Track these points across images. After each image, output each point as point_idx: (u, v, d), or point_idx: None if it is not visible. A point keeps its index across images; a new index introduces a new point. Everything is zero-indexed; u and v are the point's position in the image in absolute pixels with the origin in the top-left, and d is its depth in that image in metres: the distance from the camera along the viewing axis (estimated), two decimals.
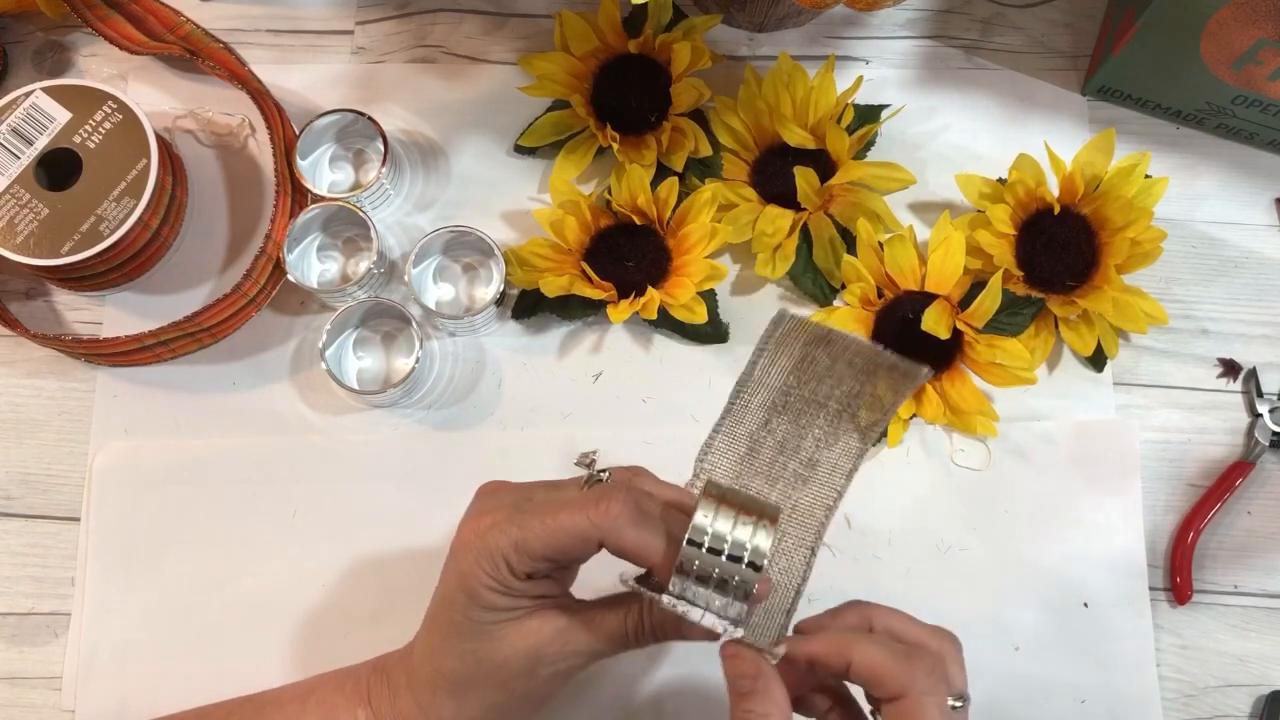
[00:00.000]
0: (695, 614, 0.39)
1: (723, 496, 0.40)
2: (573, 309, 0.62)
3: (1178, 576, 0.61)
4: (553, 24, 0.64)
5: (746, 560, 0.38)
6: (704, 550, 0.39)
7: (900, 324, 0.61)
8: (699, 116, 0.64)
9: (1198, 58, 0.60)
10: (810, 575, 0.44)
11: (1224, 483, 0.62)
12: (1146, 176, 0.61)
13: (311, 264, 0.64)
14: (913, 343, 0.60)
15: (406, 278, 0.61)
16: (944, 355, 0.61)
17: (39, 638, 0.59)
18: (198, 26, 0.67)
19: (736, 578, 0.38)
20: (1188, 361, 0.64)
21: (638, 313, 0.60)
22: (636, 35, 0.63)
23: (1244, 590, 0.62)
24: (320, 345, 0.60)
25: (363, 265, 0.63)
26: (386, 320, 0.63)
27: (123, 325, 0.62)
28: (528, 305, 0.63)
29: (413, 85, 0.67)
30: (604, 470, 0.44)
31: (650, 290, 0.60)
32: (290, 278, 0.61)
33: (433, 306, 0.63)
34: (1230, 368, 0.64)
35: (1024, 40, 0.69)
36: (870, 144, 0.65)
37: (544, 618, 0.42)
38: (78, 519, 0.60)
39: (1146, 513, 0.62)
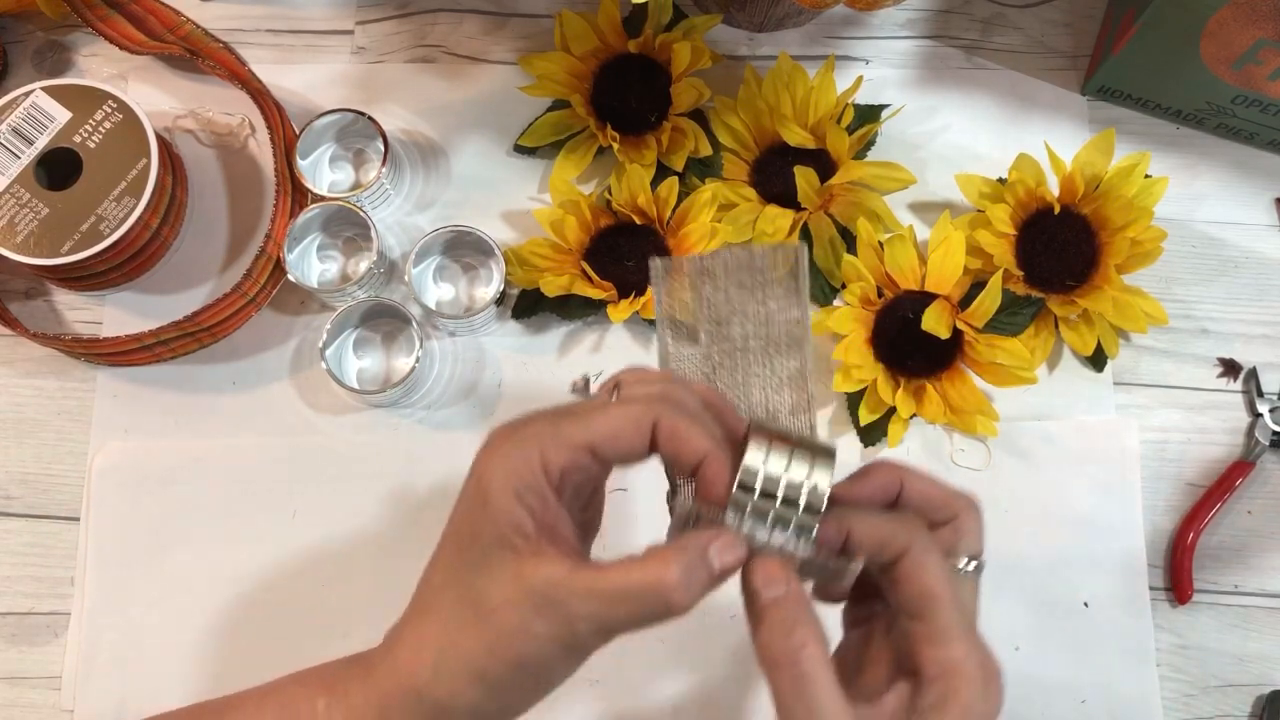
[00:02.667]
0: (761, 535, 0.36)
1: (775, 434, 0.37)
2: (573, 309, 0.62)
3: (1178, 576, 0.61)
4: (553, 24, 0.64)
5: (804, 502, 0.36)
6: (756, 489, 0.36)
7: (900, 324, 0.60)
8: (699, 116, 0.64)
9: (1198, 58, 0.60)
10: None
11: (1224, 482, 0.62)
12: (1146, 176, 0.61)
13: (311, 264, 0.64)
14: (913, 342, 0.60)
15: (406, 277, 0.61)
16: (944, 355, 0.61)
17: (38, 637, 0.59)
18: (198, 26, 0.67)
19: (794, 519, 0.36)
20: (1188, 361, 0.64)
21: (638, 312, 0.60)
22: (636, 35, 0.63)
23: (1244, 590, 0.62)
24: (320, 345, 0.60)
25: (363, 265, 0.63)
26: (386, 320, 0.63)
27: (123, 325, 0.62)
28: (528, 305, 0.63)
29: (413, 85, 0.67)
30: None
31: (650, 290, 0.60)
32: (290, 277, 0.61)
33: (433, 306, 0.63)
34: (1230, 367, 0.64)
35: (1024, 40, 0.69)
36: (870, 144, 0.65)
37: (548, 558, 0.35)
38: (77, 519, 0.60)
39: (1146, 513, 0.62)
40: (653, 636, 0.59)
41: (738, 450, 0.36)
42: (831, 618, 0.40)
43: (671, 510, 0.38)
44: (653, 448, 0.36)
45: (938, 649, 0.36)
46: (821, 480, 0.36)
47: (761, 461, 0.36)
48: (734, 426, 0.39)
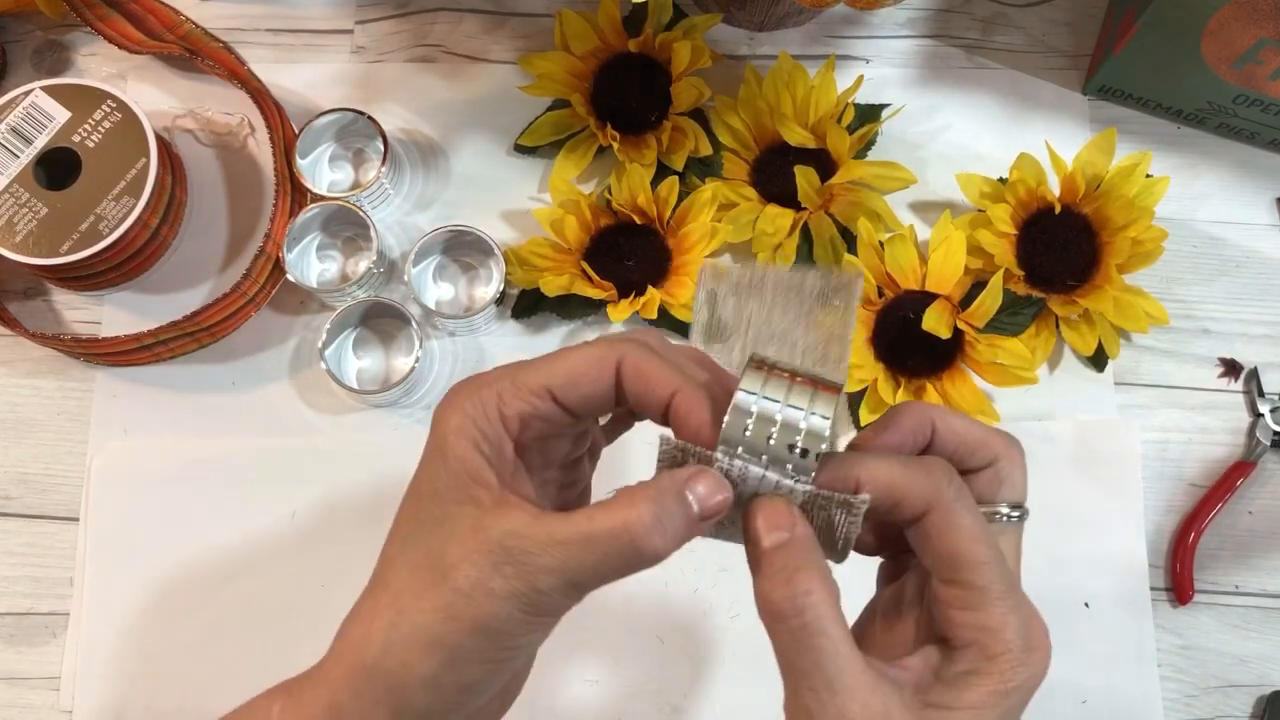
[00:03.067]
0: (756, 471, 0.32)
1: (774, 365, 0.33)
2: (573, 309, 0.62)
3: (1179, 577, 0.61)
4: (553, 23, 0.64)
5: (804, 436, 0.32)
6: (750, 424, 0.32)
7: (901, 323, 0.60)
8: (699, 116, 0.64)
9: (1199, 57, 0.60)
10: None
11: (1225, 483, 0.62)
12: (1147, 176, 0.61)
13: (311, 263, 0.64)
14: (913, 342, 0.60)
15: (406, 277, 0.61)
16: (945, 355, 0.61)
17: (37, 638, 0.59)
18: (197, 26, 0.67)
19: (792, 458, 0.32)
20: (1189, 361, 0.64)
21: (638, 312, 0.60)
22: (637, 34, 0.63)
23: (1245, 590, 0.61)
24: (320, 345, 0.59)
25: (362, 265, 0.63)
26: (386, 320, 0.63)
27: (122, 325, 0.62)
28: (528, 305, 0.63)
29: (412, 84, 0.67)
30: None
31: (650, 290, 0.60)
32: (290, 277, 0.61)
33: (432, 306, 0.62)
34: (1231, 367, 0.64)
35: (1025, 40, 0.69)
36: (871, 143, 0.65)
37: (511, 508, 0.32)
38: (76, 519, 0.60)
39: (1147, 513, 0.62)
40: (653, 636, 0.59)
41: (729, 390, 0.33)
42: (863, 573, 0.37)
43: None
44: (622, 396, 0.33)
45: (970, 613, 0.32)
46: (824, 410, 0.32)
47: (758, 389, 0.32)
48: (723, 377, 0.35)
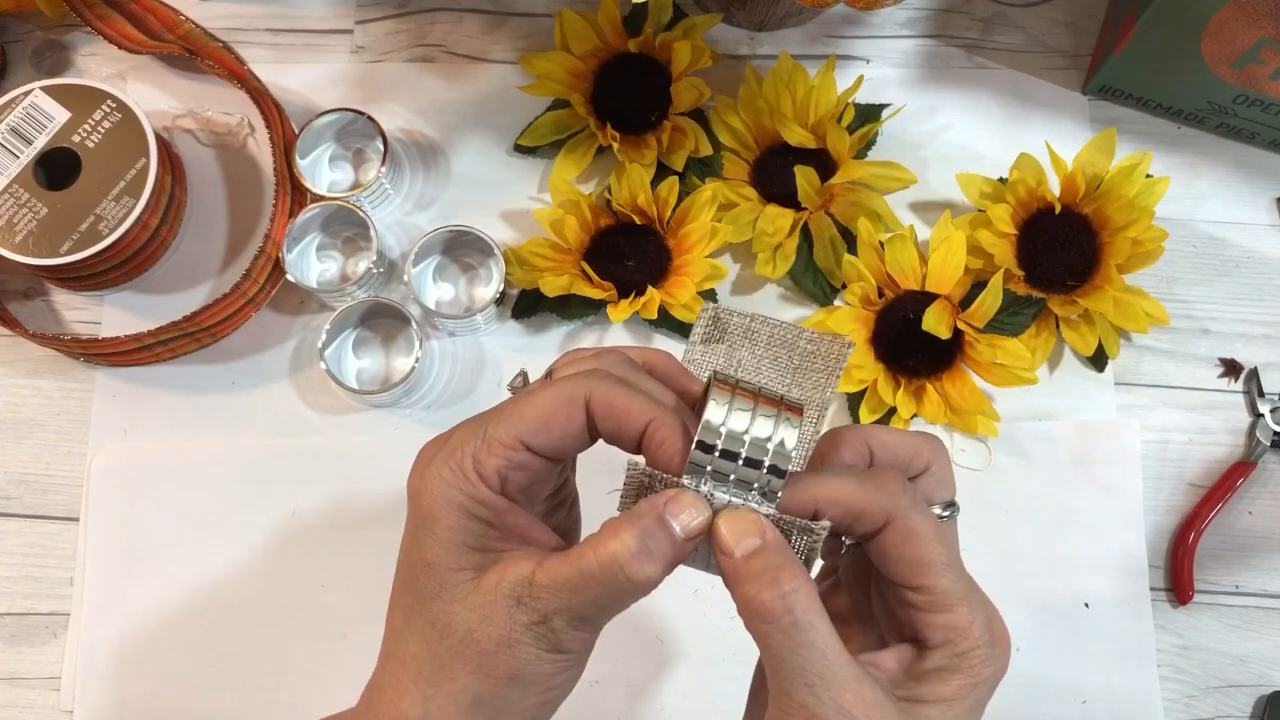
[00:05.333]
0: (722, 497, 0.32)
1: (737, 385, 0.33)
2: (573, 309, 0.62)
3: (1179, 577, 0.61)
4: (553, 23, 0.64)
5: (770, 457, 0.32)
6: (718, 449, 0.32)
7: (901, 324, 0.60)
8: (699, 116, 0.64)
9: (1199, 57, 0.60)
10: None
11: (1225, 483, 0.62)
12: (1148, 176, 0.61)
13: (311, 264, 0.64)
14: (913, 343, 0.60)
15: (406, 277, 0.61)
16: (945, 355, 0.60)
17: (37, 638, 0.59)
18: (197, 25, 0.67)
19: (758, 480, 0.32)
20: (1189, 361, 0.64)
21: (638, 313, 0.60)
22: (637, 34, 0.63)
23: (1245, 590, 0.61)
24: (320, 345, 0.59)
25: (362, 265, 0.63)
26: (386, 320, 0.63)
27: (122, 325, 0.62)
28: (528, 305, 0.63)
29: (412, 84, 0.67)
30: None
31: (650, 290, 0.60)
32: (289, 277, 0.61)
33: (432, 306, 0.62)
34: (1231, 367, 0.64)
35: (1025, 39, 0.69)
36: (871, 143, 0.65)
37: (515, 553, 0.33)
38: (76, 519, 0.60)
39: (1147, 513, 0.62)
40: (652, 636, 0.59)
41: (697, 407, 0.33)
42: None
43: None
44: (596, 430, 0.33)
45: (939, 615, 0.33)
46: (788, 437, 0.32)
47: (723, 417, 0.32)
48: (688, 388, 0.36)
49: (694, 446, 0.32)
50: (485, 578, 0.33)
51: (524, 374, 0.37)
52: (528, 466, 0.33)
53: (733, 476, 0.32)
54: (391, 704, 0.34)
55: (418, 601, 0.34)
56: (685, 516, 0.32)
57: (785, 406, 0.33)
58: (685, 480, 0.33)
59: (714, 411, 0.32)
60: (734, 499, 0.33)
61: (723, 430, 0.32)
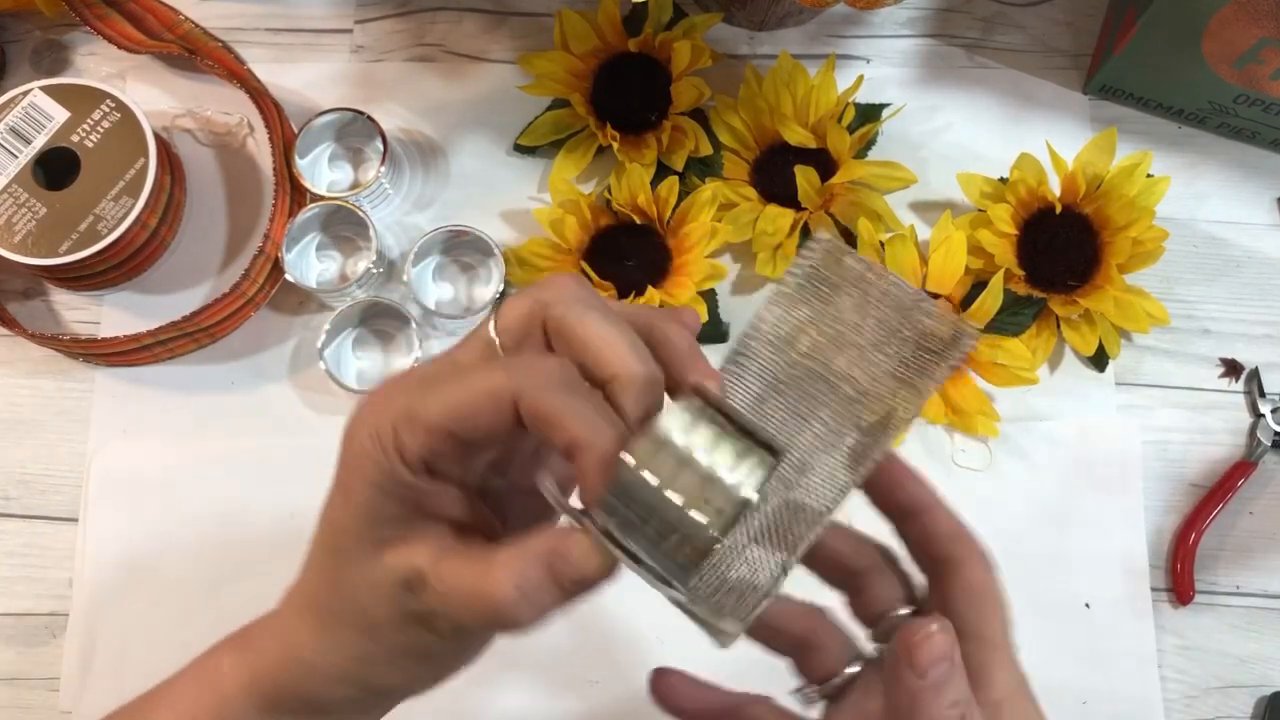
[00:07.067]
0: (639, 549, 0.28)
1: (715, 407, 0.28)
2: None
3: (1179, 577, 0.60)
4: (552, 22, 0.64)
5: (715, 506, 0.26)
6: (656, 473, 0.27)
7: None
8: (699, 115, 0.64)
9: (1199, 57, 0.60)
10: (775, 593, 0.32)
11: (1226, 483, 0.62)
12: (1148, 176, 0.61)
13: (310, 263, 0.64)
14: None
15: (406, 277, 0.61)
16: None
17: (37, 638, 0.59)
18: (196, 25, 0.67)
19: (687, 530, 0.27)
20: (1189, 361, 0.64)
21: None
22: (636, 34, 0.63)
23: (1246, 591, 0.61)
24: (319, 345, 0.59)
25: (361, 265, 0.63)
26: (386, 320, 0.63)
27: (121, 325, 0.62)
28: None
29: (412, 84, 0.67)
30: None
31: (650, 290, 0.60)
32: (289, 277, 0.60)
33: (432, 306, 0.62)
34: (1232, 368, 0.64)
35: (1025, 39, 0.69)
36: (871, 143, 0.65)
37: (422, 538, 0.31)
38: (76, 519, 0.60)
39: (1148, 513, 0.62)
40: (652, 636, 0.59)
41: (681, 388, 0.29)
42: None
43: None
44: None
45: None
46: (748, 481, 0.26)
47: (674, 438, 0.27)
48: (672, 366, 0.31)
49: (607, 490, 0.27)
50: (385, 555, 0.31)
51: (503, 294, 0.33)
52: (453, 452, 0.30)
53: (648, 533, 0.27)
54: (289, 632, 0.35)
55: (324, 552, 0.34)
56: (575, 564, 0.29)
57: (760, 444, 0.27)
58: (597, 516, 0.28)
59: (647, 444, 0.27)
60: (647, 561, 0.28)
61: (642, 479, 0.27)
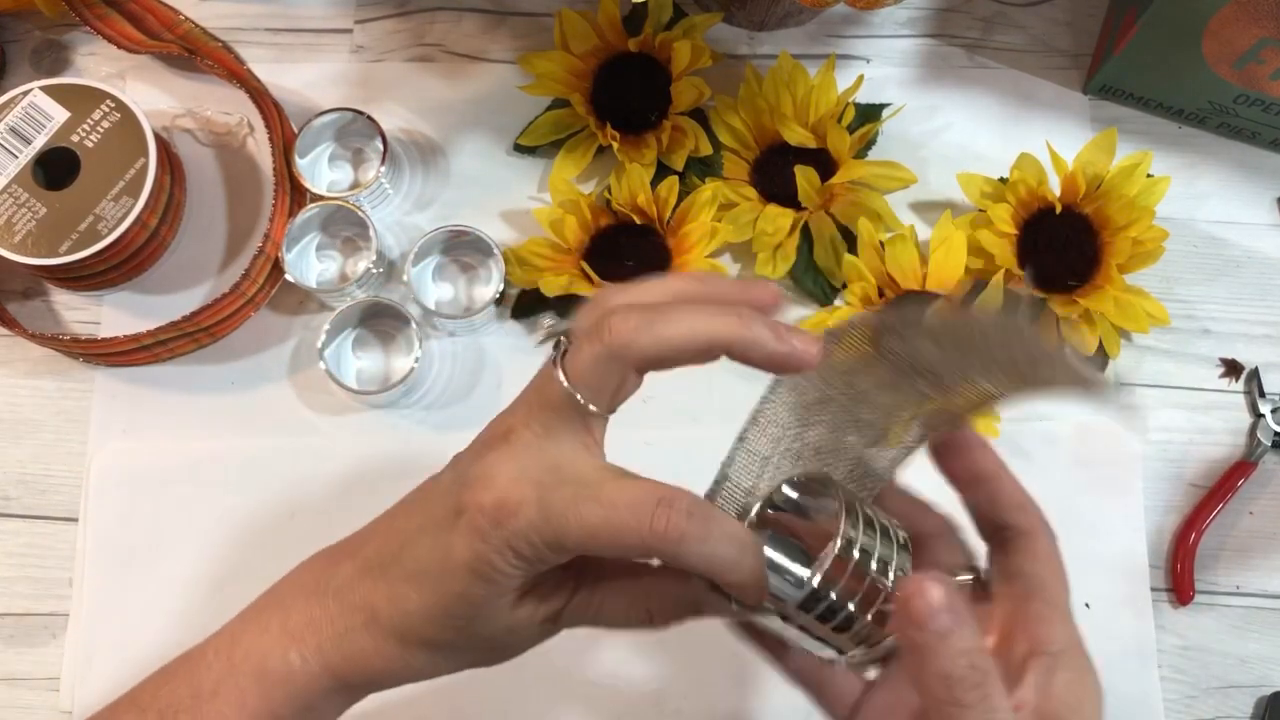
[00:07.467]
0: (812, 645, 0.34)
1: (862, 516, 0.34)
2: (572, 309, 0.62)
3: (1179, 577, 0.60)
4: (552, 22, 0.64)
5: (883, 597, 0.33)
6: (835, 590, 0.32)
7: None
8: (699, 115, 0.64)
9: (1199, 57, 0.60)
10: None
11: (1226, 483, 0.62)
12: (1148, 176, 0.61)
13: (310, 263, 0.64)
14: None
15: (406, 277, 0.61)
16: None
17: (37, 638, 0.59)
18: (196, 25, 0.67)
19: (864, 616, 0.33)
20: (1190, 361, 0.64)
21: None
22: (636, 34, 0.63)
23: (1246, 591, 0.61)
24: (319, 345, 0.59)
25: (361, 265, 0.63)
26: (386, 320, 0.63)
27: (121, 325, 0.62)
28: (527, 305, 0.63)
29: (412, 84, 0.67)
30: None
31: None
32: (289, 277, 0.60)
33: (432, 306, 0.62)
34: (1232, 368, 0.64)
35: (1025, 39, 0.69)
36: (871, 143, 0.65)
37: (541, 598, 0.36)
38: (75, 519, 0.60)
39: (1148, 513, 0.62)
40: (652, 638, 0.59)
41: (831, 525, 0.33)
42: None
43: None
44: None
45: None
46: (905, 563, 0.33)
47: (836, 587, 0.32)
48: (758, 305, 0.34)
49: (818, 577, 0.33)
50: (520, 609, 0.36)
51: (558, 335, 0.37)
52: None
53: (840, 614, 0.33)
54: (387, 657, 0.37)
55: (444, 608, 0.36)
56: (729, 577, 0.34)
57: (897, 539, 0.33)
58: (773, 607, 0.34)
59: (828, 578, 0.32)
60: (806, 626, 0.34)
61: (826, 602, 0.33)
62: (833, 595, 0.32)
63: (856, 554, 0.32)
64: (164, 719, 0.39)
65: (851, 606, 0.33)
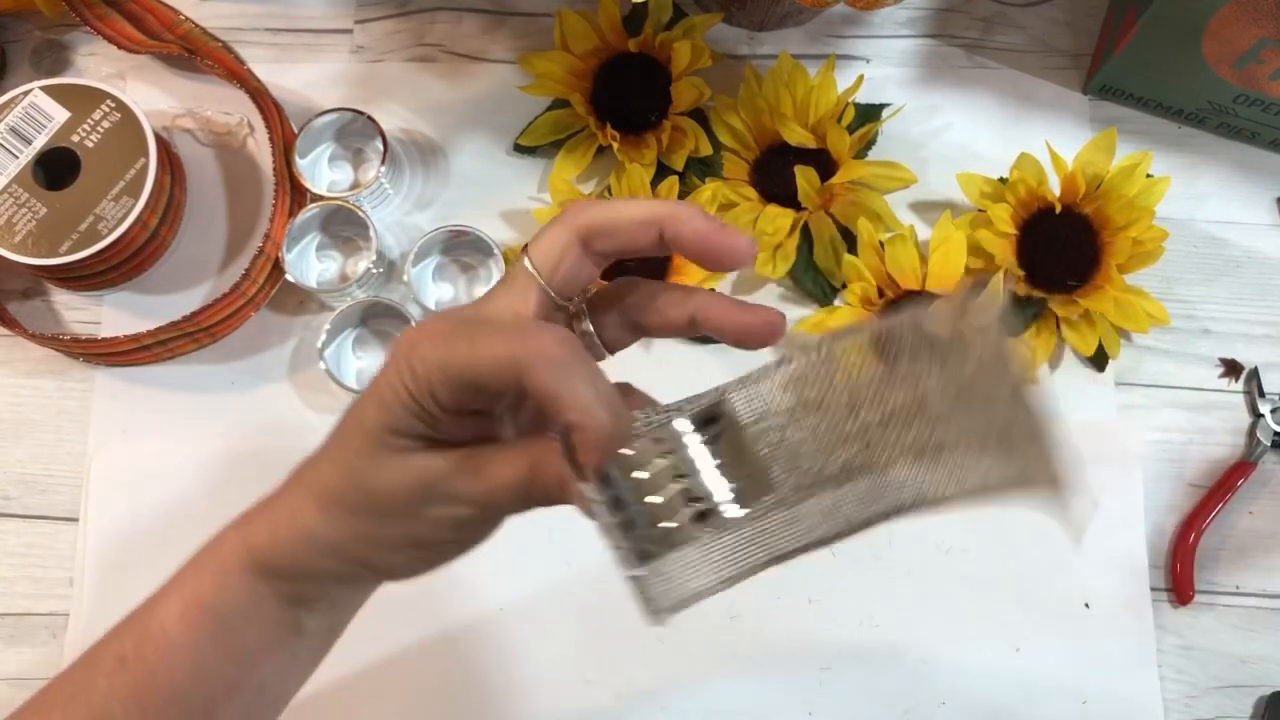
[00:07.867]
0: (605, 529, 0.31)
1: (732, 423, 0.32)
2: None
3: (1179, 577, 0.60)
4: (552, 22, 0.64)
5: (695, 511, 0.30)
6: (647, 472, 0.30)
7: None
8: (699, 115, 0.64)
9: (1199, 57, 0.60)
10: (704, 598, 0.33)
11: (1225, 483, 0.62)
12: (1148, 176, 0.61)
13: (310, 263, 0.64)
14: None
15: (406, 277, 0.61)
16: None
17: (37, 638, 0.59)
18: (196, 25, 0.67)
19: (654, 533, 0.30)
20: (1189, 361, 0.64)
21: None
22: (636, 34, 0.63)
23: (1245, 591, 0.61)
24: (319, 345, 0.59)
25: (362, 265, 0.63)
26: (386, 320, 0.63)
27: (121, 325, 0.62)
28: None
29: (412, 84, 0.67)
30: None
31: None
32: (289, 277, 0.60)
33: (432, 306, 0.62)
34: (1232, 368, 0.64)
35: (1025, 39, 0.69)
36: (871, 143, 0.65)
37: (434, 455, 0.36)
38: (76, 519, 0.60)
39: (1148, 513, 0.62)
40: (652, 637, 0.59)
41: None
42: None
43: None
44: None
45: None
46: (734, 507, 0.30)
47: (651, 454, 0.30)
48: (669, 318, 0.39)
49: (596, 472, 0.31)
50: (412, 459, 0.35)
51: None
52: (476, 398, 0.34)
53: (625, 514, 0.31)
54: (296, 512, 0.39)
55: (346, 446, 0.37)
56: (548, 489, 0.34)
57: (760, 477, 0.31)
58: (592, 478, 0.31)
59: (642, 453, 0.31)
60: (615, 525, 0.31)
61: (638, 479, 0.31)
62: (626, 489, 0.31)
63: (665, 461, 0.31)
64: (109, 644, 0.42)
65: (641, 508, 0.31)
